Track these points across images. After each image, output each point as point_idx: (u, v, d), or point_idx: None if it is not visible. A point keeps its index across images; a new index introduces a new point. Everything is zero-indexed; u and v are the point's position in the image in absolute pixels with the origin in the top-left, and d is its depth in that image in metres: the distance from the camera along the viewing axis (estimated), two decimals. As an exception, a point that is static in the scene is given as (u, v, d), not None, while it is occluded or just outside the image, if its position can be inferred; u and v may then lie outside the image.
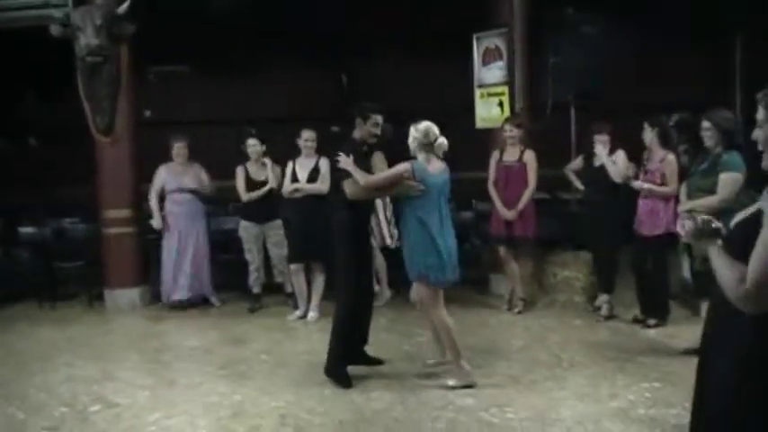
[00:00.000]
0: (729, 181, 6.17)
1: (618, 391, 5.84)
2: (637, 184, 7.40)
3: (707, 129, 6.34)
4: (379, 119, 6.40)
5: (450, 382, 6.07)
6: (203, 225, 9.31)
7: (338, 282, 6.52)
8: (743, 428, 2.63)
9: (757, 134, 2.76)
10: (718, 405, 2.73)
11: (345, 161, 6.12)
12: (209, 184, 9.25)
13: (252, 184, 8.73)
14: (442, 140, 6.08)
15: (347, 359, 6.38)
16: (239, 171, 8.80)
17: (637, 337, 7.32)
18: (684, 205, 6.49)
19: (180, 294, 9.12)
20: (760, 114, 2.73)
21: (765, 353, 2.56)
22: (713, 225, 2.78)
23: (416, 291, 6.28)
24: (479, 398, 5.79)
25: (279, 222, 8.77)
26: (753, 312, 2.50)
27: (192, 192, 9.14)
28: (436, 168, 6.06)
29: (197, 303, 9.21)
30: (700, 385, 2.86)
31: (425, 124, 6.06)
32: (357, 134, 6.42)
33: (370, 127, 6.36)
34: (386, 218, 8.51)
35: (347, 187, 6.13)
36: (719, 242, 2.71)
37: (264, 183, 8.70)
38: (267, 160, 8.76)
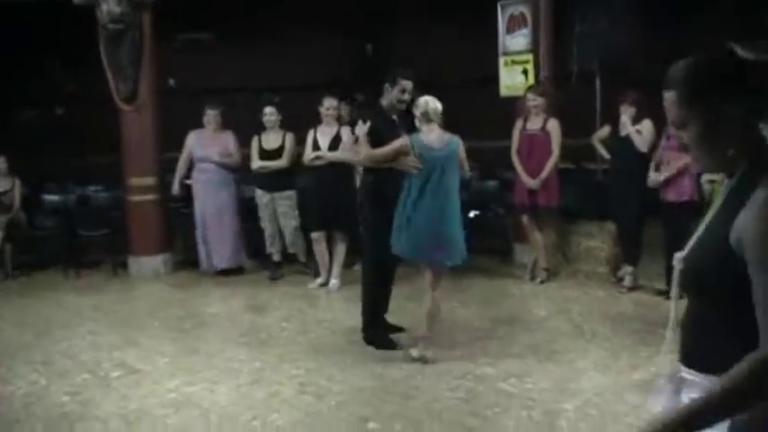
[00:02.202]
0: None
1: (639, 363, 5.79)
2: (653, 177, 7.32)
3: None
4: (409, 85, 6.20)
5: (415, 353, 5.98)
6: (230, 193, 9.21)
7: (365, 246, 6.47)
8: None
9: None
10: None
11: (360, 129, 6.05)
12: (235, 153, 9.16)
13: (264, 153, 8.71)
14: (434, 106, 5.80)
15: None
16: (254, 140, 8.80)
17: (660, 309, 7.21)
18: (707, 175, 6.41)
19: (214, 263, 9.15)
20: None
21: None
22: None
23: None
24: (499, 368, 5.77)
25: (289, 193, 8.74)
26: None
27: (216, 163, 9.05)
28: (439, 141, 5.82)
29: (225, 271, 9.17)
30: None
31: (422, 98, 5.88)
32: (385, 101, 6.28)
33: (397, 93, 6.19)
34: None
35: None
36: None
37: (277, 151, 8.68)
38: (289, 135, 8.73)
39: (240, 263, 9.29)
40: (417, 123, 5.90)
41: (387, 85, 6.26)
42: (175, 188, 9.20)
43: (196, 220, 9.15)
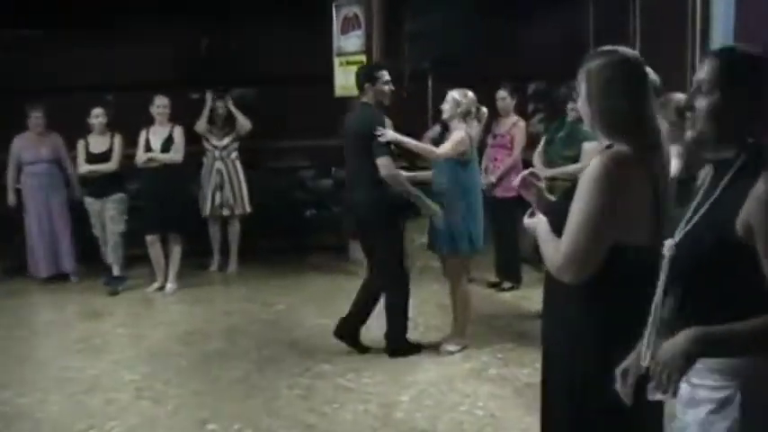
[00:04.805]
0: (591, 151, 6.35)
1: (471, 353, 6.04)
2: (484, 180, 7.26)
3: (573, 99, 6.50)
4: (386, 74, 5.98)
5: (450, 348, 6.05)
6: (62, 197, 8.85)
7: (381, 267, 6.08)
8: (583, 403, 2.59)
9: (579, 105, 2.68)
10: (559, 378, 2.72)
11: (391, 134, 5.81)
12: (65, 155, 8.84)
13: (92, 157, 8.41)
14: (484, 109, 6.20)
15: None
16: (80, 143, 8.47)
17: (492, 300, 7.56)
18: (544, 173, 6.69)
19: (43, 270, 8.78)
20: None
21: (594, 322, 2.54)
22: (536, 178, 2.88)
23: (448, 264, 6.21)
24: (336, 363, 5.89)
25: (119, 197, 8.40)
26: (571, 282, 2.50)
27: (51, 162, 8.74)
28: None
29: (58, 277, 8.82)
30: (544, 358, 2.82)
31: (459, 94, 5.94)
32: (370, 99, 5.98)
33: (381, 86, 5.94)
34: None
35: (384, 166, 5.81)
36: (543, 216, 2.72)
37: (105, 154, 8.41)
38: (117, 137, 8.48)
39: (71, 269, 8.91)
40: (455, 115, 5.93)
41: (366, 84, 5.96)
42: (11, 199, 8.77)
43: (26, 226, 8.80)
